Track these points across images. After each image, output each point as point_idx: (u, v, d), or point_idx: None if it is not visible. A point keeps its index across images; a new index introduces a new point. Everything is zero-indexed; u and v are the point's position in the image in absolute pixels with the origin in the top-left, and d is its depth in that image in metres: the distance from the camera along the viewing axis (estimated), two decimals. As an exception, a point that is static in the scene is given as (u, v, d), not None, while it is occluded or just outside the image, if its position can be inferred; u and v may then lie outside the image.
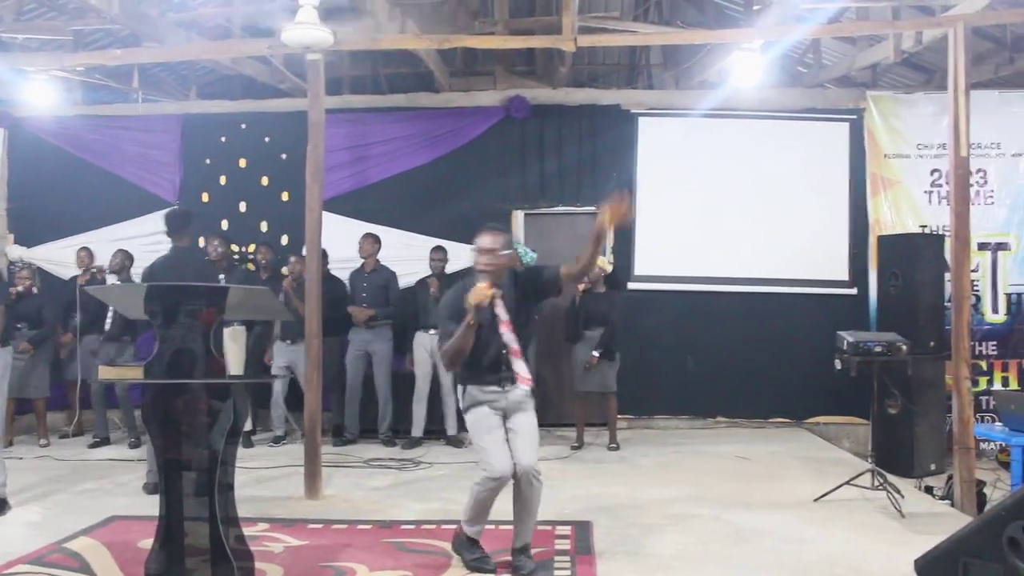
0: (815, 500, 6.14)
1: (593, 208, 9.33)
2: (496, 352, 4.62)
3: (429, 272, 8.55)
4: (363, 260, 8.66)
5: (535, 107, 9.46)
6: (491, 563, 4.73)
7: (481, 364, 4.64)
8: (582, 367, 8.19)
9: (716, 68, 9.02)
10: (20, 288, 8.53)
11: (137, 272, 8.48)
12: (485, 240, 4.63)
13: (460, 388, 4.81)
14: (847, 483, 6.18)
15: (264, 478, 7.06)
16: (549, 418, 9.24)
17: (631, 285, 9.21)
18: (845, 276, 9.32)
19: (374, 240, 8.69)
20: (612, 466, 7.60)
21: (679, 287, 9.32)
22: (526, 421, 4.67)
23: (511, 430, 4.65)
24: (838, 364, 6.45)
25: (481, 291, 4.44)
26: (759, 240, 9.29)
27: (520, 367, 4.63)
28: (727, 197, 9.32)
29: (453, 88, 9.76)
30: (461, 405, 4.83)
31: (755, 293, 9.27)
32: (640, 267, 9.36)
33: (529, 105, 9.42)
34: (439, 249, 8.63)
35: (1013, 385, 9.13)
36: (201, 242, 8.76)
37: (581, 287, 8.19)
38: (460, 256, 8.96)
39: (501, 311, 4.63)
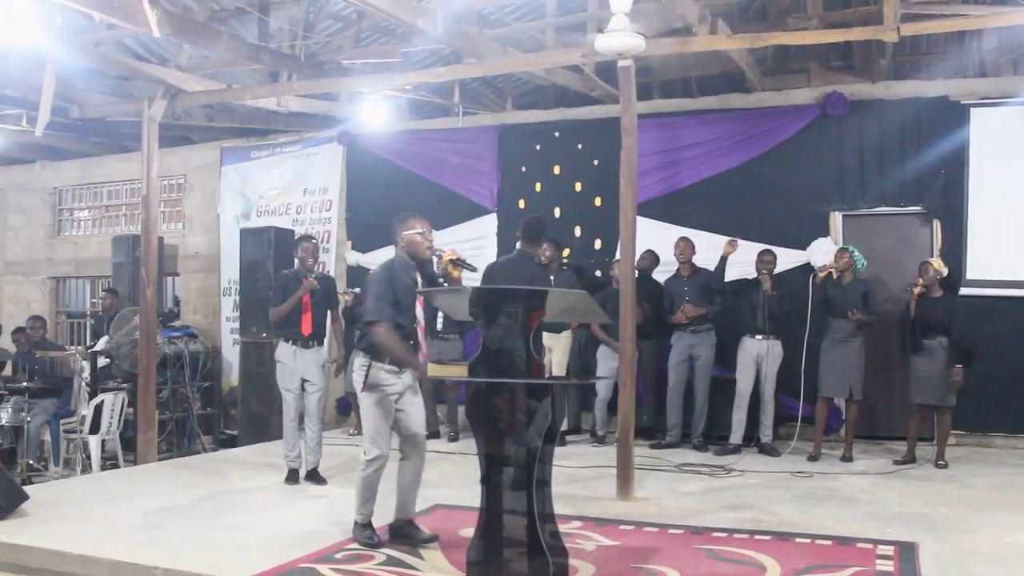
0: None
1: (918, 208, 8.85)
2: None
3: (752, 274, 8.41)
4: (680, 263, 8.64)
5: (853, 103, 9.01)
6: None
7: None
8: (920, 378, 7.67)
9: (1063, 49, 8.15)
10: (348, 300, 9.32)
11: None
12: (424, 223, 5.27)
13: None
14: None
15: (578, 477, 7.21)
16: (879, 430, 8.79)
17: (963, 291, 8.53)
18: None
19: (690, 243, 8.65)
20: (940, 485, 7.05)
21: (1019, 292, 8.50)
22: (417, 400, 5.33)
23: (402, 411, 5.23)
24: None
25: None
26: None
27: None
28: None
29: (765, 87, 9.51)
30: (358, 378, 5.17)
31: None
32: (973, 271, 8.61)
33: (847, 101, 8.99)
34: (768, 252, 8.45)
35: None
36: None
37: (916, 291, 7.68)
38: (781, 259, 8.72)
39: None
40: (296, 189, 11.35)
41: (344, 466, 7.45)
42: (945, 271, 7.88)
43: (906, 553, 5.04)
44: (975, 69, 9.51)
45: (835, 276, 8.04)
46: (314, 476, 7.02)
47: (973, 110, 8.74)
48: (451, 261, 5.22)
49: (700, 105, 9.72)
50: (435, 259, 5.36)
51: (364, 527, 5.26)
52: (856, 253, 8.11)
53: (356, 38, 9.07)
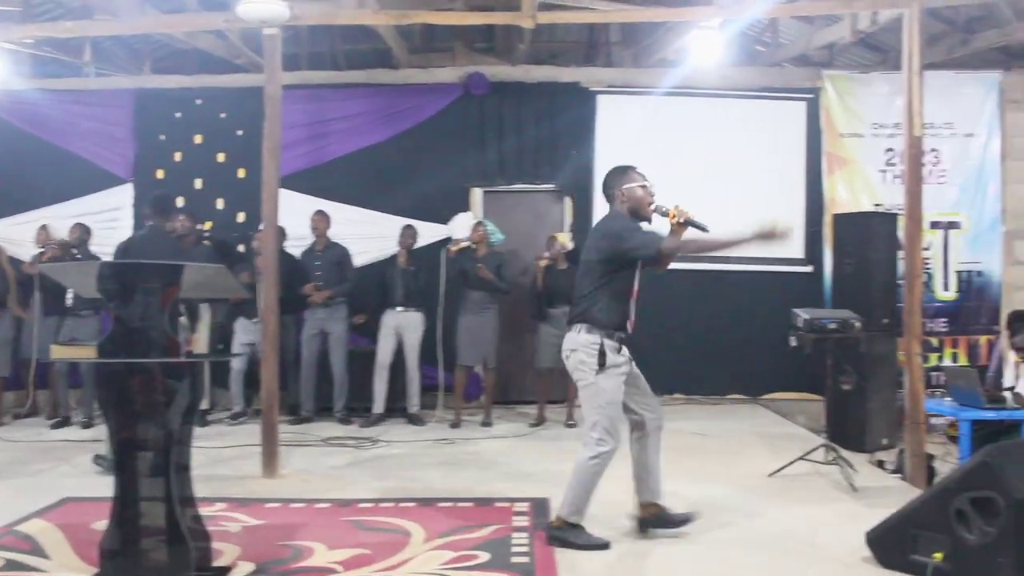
0: (770, 475, 6.24)
1: (552, 185, 9.46)
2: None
3: (395, 249, 8.60)
4: (316, 237, 8.64)
5: (494, 84, 9.44)
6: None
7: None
8: (547, 344, 8.17)
9: (675, 46, 9.04)
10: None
11: (104, 249, 8.39)
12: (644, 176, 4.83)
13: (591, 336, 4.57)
14: (801, 458, 6.27)
15: (221, 458, 7.00)
16: (511, 395, 9.31)
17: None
18: (801, 254, 9.43)
19: (325, 217, 8.66)
20: (570, 443, 7.52)
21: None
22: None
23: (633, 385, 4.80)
24: (793, 341, 6.53)
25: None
26: (717, 218, 9.11)
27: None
28: (686, 175, 9.26)
29: (411, 65, 9.70)
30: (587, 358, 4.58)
31: (712, 271, 9.33)
32: (600, 245, 9.36)
33: (488, 82, 9.40)
34: (410, 227, 8.68)
35: (962, 361, 9.33)
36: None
37: (543, 264, 8.21)
38: (423, 234, 8.92)
39: None
40: None
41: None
42: (571, 245, 8.50)
43: (539, 508, 5.42)
44: (603, 59, 10.31)
45: (473, 248, 8.39)
46: None
47: (600, 97, 9.50)
48: (687, 221, 4.68)
49: (348, 79, 9.72)
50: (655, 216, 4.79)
51: (581, 530, 4.67)
52: (491, 226, 8.54)
53: (-36, -19, 8.14)
